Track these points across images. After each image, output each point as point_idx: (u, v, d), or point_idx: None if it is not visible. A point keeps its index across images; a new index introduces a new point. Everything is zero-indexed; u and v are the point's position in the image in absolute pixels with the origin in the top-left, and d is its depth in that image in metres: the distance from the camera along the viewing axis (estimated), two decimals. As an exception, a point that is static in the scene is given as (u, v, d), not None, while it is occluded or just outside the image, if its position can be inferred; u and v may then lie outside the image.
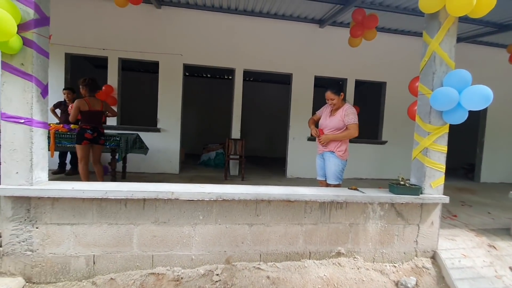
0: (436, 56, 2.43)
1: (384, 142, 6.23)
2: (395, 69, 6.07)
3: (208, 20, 5.45)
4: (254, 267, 2.22)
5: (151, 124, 5.66)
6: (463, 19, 5.09)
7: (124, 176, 4.70)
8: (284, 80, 9.47)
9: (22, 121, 1.87)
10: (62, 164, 4.97)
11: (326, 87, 2.84)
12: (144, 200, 2.03)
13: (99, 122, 3.70)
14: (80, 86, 3.59)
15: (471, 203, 4.36)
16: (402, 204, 2.44)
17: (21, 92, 1.87)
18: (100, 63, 6.79)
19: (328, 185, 2.89)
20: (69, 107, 4.35)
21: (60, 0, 4.88)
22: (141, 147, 4.59)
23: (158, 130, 5.44)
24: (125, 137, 4.12)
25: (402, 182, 2.46)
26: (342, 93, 2.82)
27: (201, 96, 10.01)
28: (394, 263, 2.48)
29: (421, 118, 2.52)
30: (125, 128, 5.20)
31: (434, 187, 2.47)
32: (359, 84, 6.15)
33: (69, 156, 4.98)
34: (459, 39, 6.06)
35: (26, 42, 1.86)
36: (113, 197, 1.95)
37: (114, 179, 4.04)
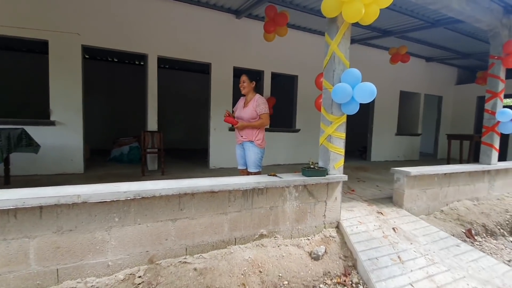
0: (335, 56, 2.80)
1: (297, 130, 6.86)
2: (305, 63, 6.69)
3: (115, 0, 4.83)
4: (180, 262, 2.17)
5: (42, 117, 4.74)
6: (357, 24, 6.02)
7: (7, 182, 3.83)
8: (203, 69, 9.27)
9: None
10: None
11: (243, 73, 3.05)
12: (41, 207, 1.72)
13: None
14: None
15: (365, 179, 5.27)
16: (312, 185, 2.77)
17: None
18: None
19: (249, 173, 3.04)
20: None
21: None
22: (29, 144, 3.79)
23: (52, 124, 4.60)
24: (6, 133, 3.34)
25: (312, 166, 2.79)
26: (253, 82, 3.01)
27: (109, 83, 8.89)
28: (308, 236, 2.82)
29: (325, 109, 2.89)
30: (4, 122, 4.20)
31: (337, 168, 2.89)
32: (274, 76, 6.55)
33: None
34: (353, 41, 7.10)
35: None
36: (-6, 209, 1.58)
37: (-7, 186, 3.26)
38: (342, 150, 2.90)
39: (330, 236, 2.86)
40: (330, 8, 2.62)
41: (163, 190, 2.04)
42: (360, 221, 3.09)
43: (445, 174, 3.93)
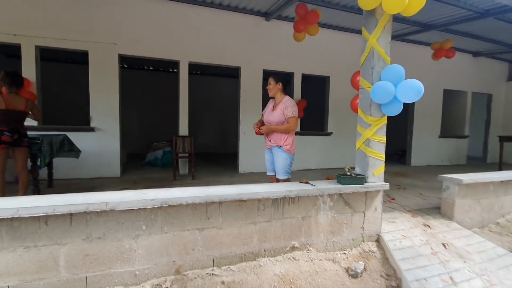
0: (375, 52, 2.55)
1: (329, 134, 6.56)
2: (337, 64, 6.39)
3: (147, 8, 4.99)
4: (207, 273, 2.08)
5: (83, 123, 5.02)
6: (395, 18, 5.61)
7: (50, 185, 4.07)
8: (233, 74, 9.32)
9: None
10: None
11: (270, 75, 2.90)
12: (71, 214, 1.72)
13: (20, 123, 3.14)
14: None
15: (405, 186, 4.84)
16: (349, 194, 2.53)
17: None
18: (14, 52, 5.76)
19: (278, 180, 2.88)
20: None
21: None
22: (71, 150, 3.99)
23: (92, 130, 4.84)
24: (49, 139, 3.53)
25: (348, 173, 2.55)
26: (280, 83, 2.85)
27: (144, 90, 9.31)
28: (344, 250, 2.58)
29: (363, 111, 2.64)
30: (48, 129, 4.48)
31: (376, 175, 2.62)
32: (305, 78, 6.33)
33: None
34: (391, 37, 6.64)
35: None
36: (27, 215, 1.60)
37: (37, 190, 3.45)
38: (382, 155, 2.63)
39: (369, 250, 2.59)
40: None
41: (189, 198, 1.96)
42: (404, 234, 2.78)
43: (501, 181, 3.43)
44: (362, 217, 2.64)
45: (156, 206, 1.90)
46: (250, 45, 5.69)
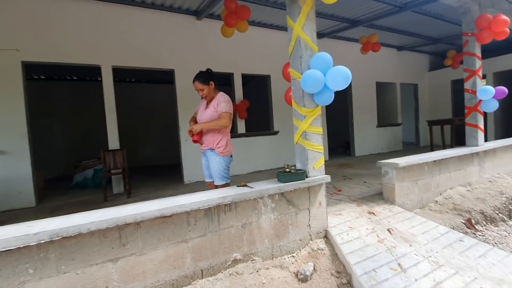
0: (301, 41, 2.43)
1: (276, 133, 6.48)
2: (277, 62, 6.31)
3: (58, 8, 4.32)
4: (128, 313, 1.68)
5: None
6: (323, 15, 5.77)
7: None
8: (170, 79, 8.80)
9: None
10: None
11: (194, 79, 2.52)
12: None
13: None
14: None
15: (351, 176, 4.93)
16: (291, 192, 2.35)
17: None
18: None
19: (216, 187, 2.58)
20: None
21: None
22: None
23: (-8, 153, 3.97)
24: None
25: (287, 169, 2.38)
26: (212, 82, 2.55)
27: (70, 104, 8.22)
28: (292, 253, 2.39)
29: (296, 103, 2.50)
30: None
31: (317, 168, 2.50)
32: (248, 79, 6.15)
33: None
34: (322, 35, 6.87)
35: None
36: None
37: None
38: (321, 148, 2.51)
39: (318, 248, 2.44)
40: (288, -16, 2.26)
41: (92, 224, 1.56)
42: (351, 226, 2.70)
43: (434, 161, 3.63)
44: (308, 214, 2.48)
45: (44, 241, 1.46)
46: (183, 46, 5.32)
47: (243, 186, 2.30)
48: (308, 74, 2.26)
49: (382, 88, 8.82)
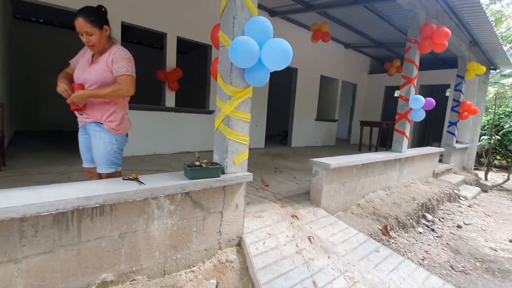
0: (238, -3, 1.84)
1: (211, 112, 5.84)
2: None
3: None
4: None
5: None
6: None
7: None
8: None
9: None
10: None
11: (77, 13, 1.70)
12: None
13: None
14: None
15: (282, 169, 4.66)
16: (200, 191, 1.83)
17: None
18: None
19: (100, 176, 1.89)
20: None
21: None
22: None
23: None
24: None
25: (198, 163, 1.83)
26: (106, 26, 1.78)
27: None
28: (193, 267, 1.90)
29: (222, 77, 1.94)
30: None
31: (238, 163, 2.02)
32: (187, 49, 5.27)
33: None
34: (275, 13, 6.35)
35: None
36: None
37: None
38: (246, 138, 2.03)
39: (226, 260, 2.01)
40: None
41: None
42: (270, 232, 2.34)
43: (363, 164, 3.55)
44: (219, 218, 2.01)
45: None
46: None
47: (134, 179, 1.68)
48: (239, 41, 1.71)
49: (325, 83, 8.86)
